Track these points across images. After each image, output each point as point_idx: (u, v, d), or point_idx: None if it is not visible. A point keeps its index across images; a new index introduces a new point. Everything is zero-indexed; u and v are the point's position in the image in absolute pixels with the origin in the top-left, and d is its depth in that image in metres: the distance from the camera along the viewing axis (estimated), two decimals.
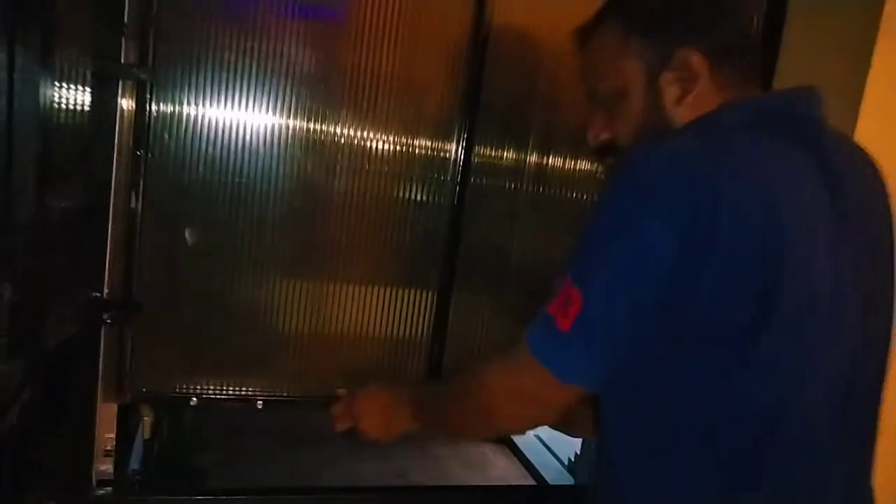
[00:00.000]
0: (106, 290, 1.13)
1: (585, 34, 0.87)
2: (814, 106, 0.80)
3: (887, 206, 0.82)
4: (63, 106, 0.95)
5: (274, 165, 1.18)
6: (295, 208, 1.20)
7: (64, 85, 0.95)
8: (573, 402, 0.77)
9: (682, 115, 0.79)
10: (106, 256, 1.12)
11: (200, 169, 1.15)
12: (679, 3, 0.82)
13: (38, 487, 1.12)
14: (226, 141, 1.15)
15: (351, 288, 1.25)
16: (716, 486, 0.72)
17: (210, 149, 1.14)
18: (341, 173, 1.21)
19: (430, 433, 0.99)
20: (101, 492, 1.16)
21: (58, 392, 1.12)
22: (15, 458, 1.06)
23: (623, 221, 0.69)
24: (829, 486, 0.75)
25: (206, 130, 1.14)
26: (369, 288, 1.26)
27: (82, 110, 1.02)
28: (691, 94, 0.78)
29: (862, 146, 0.84)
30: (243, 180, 1.17)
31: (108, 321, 1.13)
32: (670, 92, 0.79)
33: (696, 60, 0.77)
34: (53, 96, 0.91)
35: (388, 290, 1.27)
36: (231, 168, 1.16)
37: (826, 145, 0.76)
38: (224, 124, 1.15)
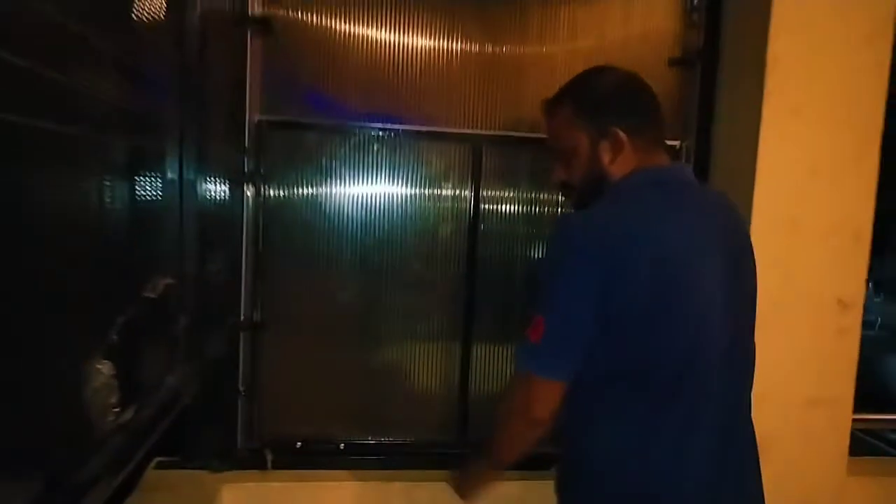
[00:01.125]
0: (243, 317, 1.73)
1: (549, 108, 1.27)
2: (688, 174, 1.24)
3: (745, 234, 1.25)
4: (212, 198, 1.58)
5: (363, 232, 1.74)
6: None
7: (211, 186, 1.57)
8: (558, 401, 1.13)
9: (613, 170, 1.19)
10: (242, 290, 1.72)
11: (300, 235, 1.74)
12: (611, 98, 1.21)
13: (201, 446, 1.70)
14: (313, 214, 1.74)
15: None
16: (646, 405, 1.12)
17: (302, 219, 1.73)
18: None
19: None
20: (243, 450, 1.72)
21: (214, 385, 1.71)
22: (187, 426, 1.65)
23: (561, 268, 1.10)
24: (717, 396, 1.15)
25: (301, 210, 1.73)
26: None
27: (223, 200, 1.64)
28: (619, 156, 1.18)
29: (723, 193, 1.29)
30: (326, 243, 1.74)
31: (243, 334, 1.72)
32: (605, 155, 1.19)
33: (622, 135, 1.17)
34: (206, 193, 1.53)
35: None
36: (312, 233, 1.74)
37: (696, 195, 1.21)
38: (312, 206, 1.73)
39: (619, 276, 1.06)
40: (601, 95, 1.22)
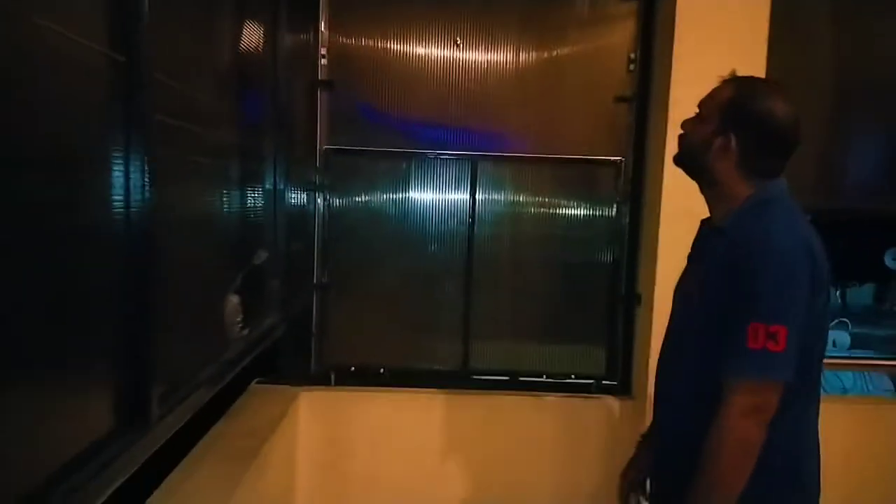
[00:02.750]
0: (315, 281, 2.55)
1: (728, 82, 1.42)
2: None
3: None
4: (294, 201, 2.40)
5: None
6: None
7: (294, 194, 2.39)
8: None
9: (715, 163, 1.39)
10: (314, 261, 2.53)
11: (353, 226, 2.53)
12: (760, 124, 1.36)
13: (286, 368, 2.52)
14: (362, 212, 2.53)
15: None
16: (803, 401, 1.35)
17: (354, 215, 2.53)
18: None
19: None
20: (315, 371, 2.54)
21: (295, 326, 2.53)
22: (276, 353, 2.47)
23: (791, 280, 1.25)
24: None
25: (353, 209, 2.53)
26: None
27: (302, 203, 2.46)
28: (724, 156, 1.38)
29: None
30: (370, 231, 2.53)
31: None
32: (715, 144, 1.38)
33: (734, 147, 1.36)
34: (291, 198, 2.36)
35: None
36: (360, 225, 2.53)
37: None
38: (362, 207, 2.53)
39: (814, 287, 1.28)
40: (754, 111, 1.37)
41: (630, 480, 1.66)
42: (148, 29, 1.22)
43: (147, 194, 1.24)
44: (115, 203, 1.20)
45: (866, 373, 5.03)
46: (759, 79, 1.56)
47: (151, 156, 1.24)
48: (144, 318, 1.27)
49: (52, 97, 1.02)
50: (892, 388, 4.61)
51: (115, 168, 1.19)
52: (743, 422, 1.25)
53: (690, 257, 1.59)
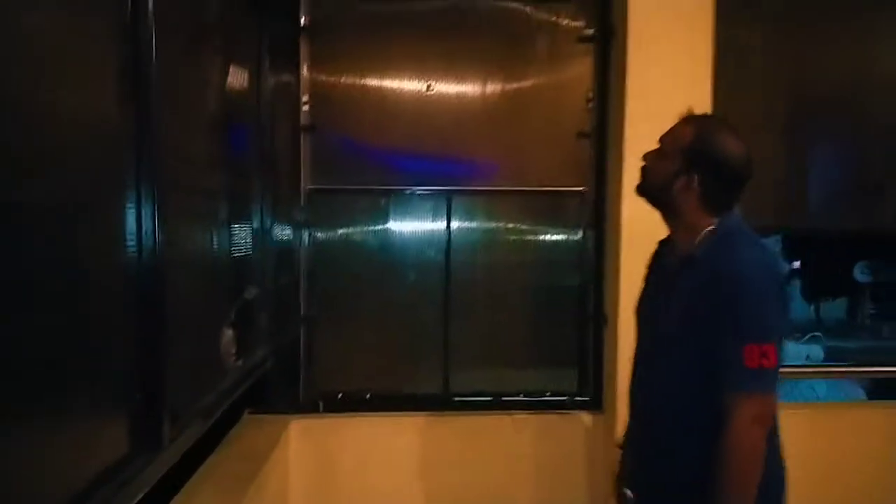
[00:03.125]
0: (302, 313, 2.68)
1: (686, 120, 1.60)
2: None
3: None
4: (281, 238, 2.55)
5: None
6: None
7: (280, 232, 2.55)
8: None
9: (678, 197, 1.55)
10: (300, 294, 2.67)
11: (336, 261, 2.68)
12: (718, 161, 1.53)
13: (276, 397, 2.64)
14: (344, 247, 2.68)
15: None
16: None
17: (337, 251, 2.68)
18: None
19: None
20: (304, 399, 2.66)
21: (284, 357, 2.65)
22: (266, 384, 2.59)
23: (768, 302, 1.45)
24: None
25: (336, 245, 2.68)
26: None
27: (288, 239, 2.62)
28: (686, 193, 1.54)
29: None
30: (352, 266, 2.68)
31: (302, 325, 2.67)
32: (678, 183, 1.54)
33: (696, 185, 1.53)
34: (277, 235, 2.51)
35: None
36: (343, 260, 2.68)
37: None
38: (344, 242, 2.68)
39: (782, 306, 1.53)
40: (713, 152, 1.55)
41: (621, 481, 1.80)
42: (156, 85, 1.39)
43: (158, 236, 1.39)
44: (129, 244, 1.34)
45: (839, 381, 5.23)
46: (715, 119, 1.76)
47: (161, 200, 1.39)
48: (156, 348, 1.41)
49: (76, 148, 1.18)
50: (863, 396, 4.83)
51: (129, 211, 1.34)
52: (751, 432, 1.42)
53: (651, 279, 1.76)
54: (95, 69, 1.25)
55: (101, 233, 1.28)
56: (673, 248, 1.67)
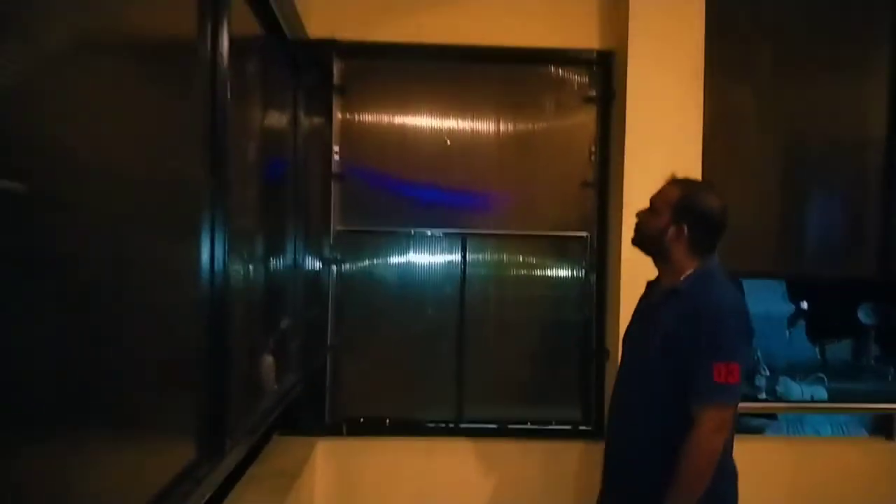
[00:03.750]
0: (329, 342, 2.93)
1: (672, 183, 1.92)
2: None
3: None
4: (312, 272, 2.82)
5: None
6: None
7: (312, 265, 2.82)
8: None
9: (672, 246, 1.87)
10: (328, 325, 2.92)
11: (362, 294, 2.94)
12: (701, 214, 1.86)
13: (304, 421, 2.87)
14: (369, 282, 2.95)
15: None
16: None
17: (362, 285, 2.95)
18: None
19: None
20: (329, 423, 2.90)
21: (312, 383, 2.90)
22: (295, 407, 2.83)
23: (738, 332, 1.76)
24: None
25: (362, 279, 2.95)
26: None
27: (318, 274, 2.88)
28: (677, 241, 1.87)
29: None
30: (376, 298, 2.94)
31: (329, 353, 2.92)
32: (669, 232, 1.86)
33: (685, 233, 1.84)
34: (309, 270, 2.78)
35: None
36: (368, 293, 2.94)
37: None
38: (368, 277, 2.95)
39: (748, 336, 1.86)
40: (697, 207, 1.88)
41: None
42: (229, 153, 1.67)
43: (226, 275, 1.66)
44: (204, 280, 1.61)
45: (842, 419, 5.33)
46: (696, 181, 2.08)
47: (229, 243, 1.67)
48: (223, 372, 1.66)
49: (168, 202, 1.45)
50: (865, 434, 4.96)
51: (204, 254, 1.61)
52: (712, 437, 1.71)
53: (638, 312, 2.07)
54: (186, 141, 1.54)
55: (184, 272, 1.54)
56: (658, 286, 1.99)
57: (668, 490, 1.72)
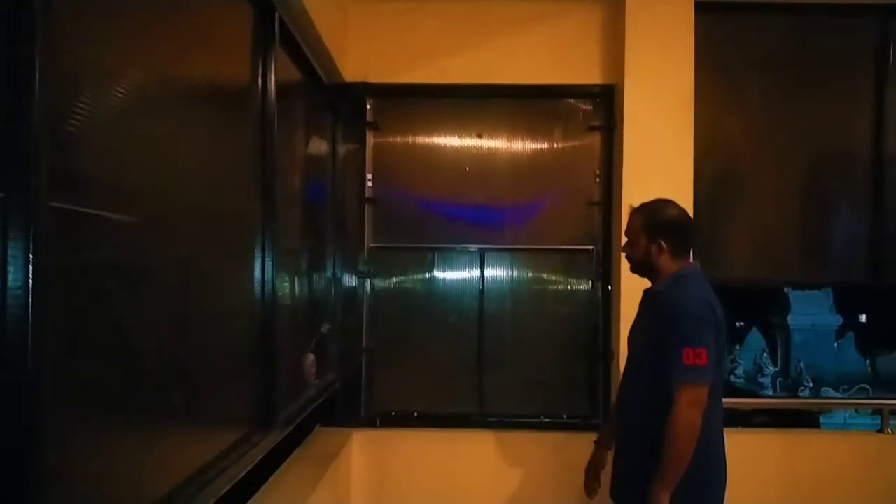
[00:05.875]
0: (364, 346, 3.34)
1: (632, 214, 2.29)
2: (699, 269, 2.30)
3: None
4: (348, 285, 3.24)
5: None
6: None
7: (347, 279, 3.24)
8: None
9: (658, 262, 2.21)
10: (363, 330, 3.33)
11: (392, 304, 3.35)
12: (665, 223, 2.21)
13: (342, 414, 3.28)
14: (398, 293, 3.35)
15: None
16: (713, 406, 2.09)
17: (393, 296, 3.35)
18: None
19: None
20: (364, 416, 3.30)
21: (348, 381, 3.31)
22: (334, 403, 3.25)
23: (703, 320, 2.05)
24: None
25: (393, 291, 3.35)
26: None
27: (353, 286, 3.30)
28: (662, 256, 2.20)
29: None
30: (406, 307, 3.34)
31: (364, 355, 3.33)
32: (654, 252, 2.21)
33: (664, 246, 2.19)
34: (345, 283, 3.20)
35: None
36: (398, 303, 3.34)
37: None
38: (398, 289, 3.35)
39: (716, 328, 2.08)
40: (661, 221, 2.23)
41: (592, 472, 2.46)
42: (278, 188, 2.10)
43: (274, 286, 2.08)
44: (256, 290, 2.03)
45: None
46: (653, 200, 2.36)
47: (276, 260, 2.09)
48: (272, 361, 2.08)
49: (229, 228, 1.88)
50: None
51: (256, 267, 2.03)
52: (688, 412, 1.99)
53: (637, 315, 2.43)
54: (240, 178, 1.97)
55: (241, 284, 1.97)
56: (650, 292, 2.36)
57: (659, 463, 2.03)
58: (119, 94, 1.24)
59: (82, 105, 1.10)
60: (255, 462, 1.97)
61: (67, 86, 1.07)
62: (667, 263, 2.23)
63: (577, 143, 3.37)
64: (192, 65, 1.61)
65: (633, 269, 2.34)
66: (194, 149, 1.60)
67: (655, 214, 2.24)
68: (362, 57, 3.24)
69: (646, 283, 2.40)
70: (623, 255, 2.37)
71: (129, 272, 1.28)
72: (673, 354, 2.03)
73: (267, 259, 2.05)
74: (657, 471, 2.03)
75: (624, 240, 2.35)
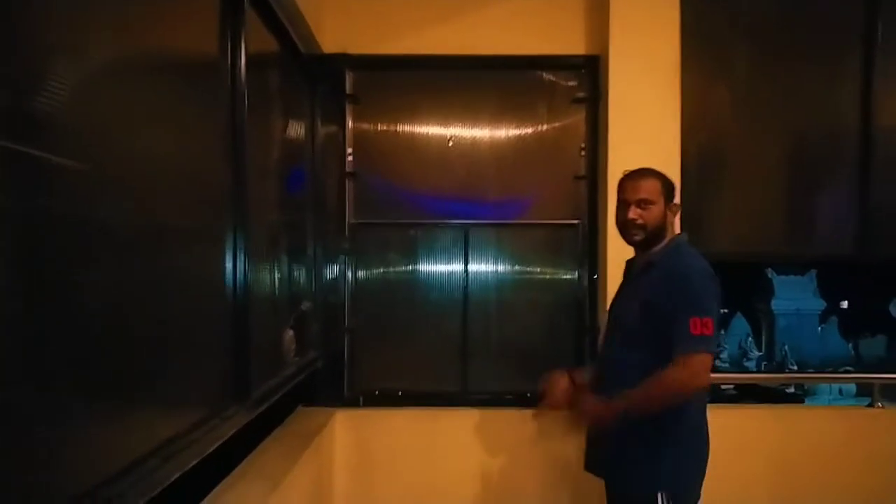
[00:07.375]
0: (346, 325, 3.28)
1: (648, 174, 2.20)
2: None
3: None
4: (328, 261, 3.17)
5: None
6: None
7: (329, 258, 3.17)
8: None
9: (668, 229, 2.19)
10: (345, 309, 3.26)
11: (374, 283, 3.28)
12: (673, 190, 2.20)
13: (324, 394, 3.22)
14: (380, 272, 3.28)
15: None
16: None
17: (375, 274, 3.28)
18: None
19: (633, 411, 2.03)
20: (346, 395, 3.24)
21: (330, 360, 3.24)
22: (316, 383, 3.19)
23: (709, 290, 2.03)
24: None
25: (375, 269, 3.28)
26: None
27: (334, 265, 3.23)
28: (671, 221, 2.19)
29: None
30: (387, 287, 3.28)
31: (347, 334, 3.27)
32: (669, 216, 2.17)
33: (676, 208, 2.22)
34: (326, 261, 3.13)
35: None
36: (380, 282, 3.28)
37: None
38: (380, 267, 3.28)
39: (719, 294, 2.09)
40: (673, 185, 2.24)
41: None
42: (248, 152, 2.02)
43: (244, 256, 2.00)
44: (227, 261, 1.96)
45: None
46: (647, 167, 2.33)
47: (249, 233, 2.01)
48: (246, 336, 2.01)
49: (196, 195, 1.81)
50: None
51: (228, 241, 1.96)
52: (693, 379, 1.98)
53: (621, 287, 2.39)
54: (207, 144, 1.89)
55: (211, 253, 1.90)
56: (635, 263, 2.32)
57: (631, 392, 2.03)
58: (72, 51, 1.17)
59: (34, 55, 1.03)
60: (227, 437, 1.90)
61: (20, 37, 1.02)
62: (671, 229, 2.22)
63: (562, 116, 3.31)
64: (154, 24, 1.53)
65: (641, 238, 2.19)
66: (154, 112, 1.52)
67: (666, 177, 2.22)
68: (341, 28, 3.15)
69: (632, 254, 2.34)
70: (632, 222, 2.18)
71: (85, 227, 1.20)
72: (679, 324, 1.99)
73: (239, 234, 1.98)
74: (636, 415, 2.04)
75: (634, 210, 2.17)
